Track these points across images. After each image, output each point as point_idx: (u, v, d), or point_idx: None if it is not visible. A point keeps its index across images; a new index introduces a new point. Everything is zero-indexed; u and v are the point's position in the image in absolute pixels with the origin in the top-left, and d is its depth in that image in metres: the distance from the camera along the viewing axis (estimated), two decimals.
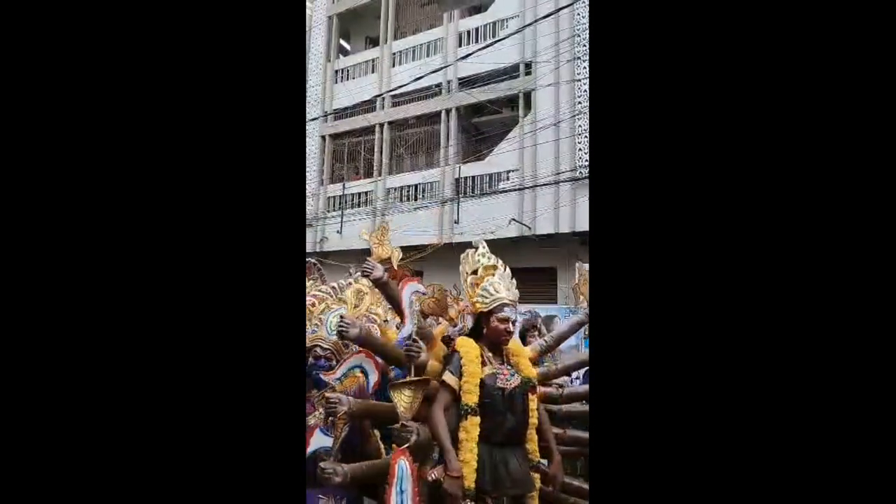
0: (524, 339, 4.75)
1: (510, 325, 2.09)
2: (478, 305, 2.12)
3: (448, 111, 11.58)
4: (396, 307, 2.20)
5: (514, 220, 10.05)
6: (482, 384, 1.98)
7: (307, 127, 12.96)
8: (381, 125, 12.39)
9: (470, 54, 9.30)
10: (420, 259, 10.96)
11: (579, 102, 9.77)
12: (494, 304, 2.09)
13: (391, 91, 11.50)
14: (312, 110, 13.16)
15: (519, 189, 10.33)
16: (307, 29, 13.78)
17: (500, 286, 2.15)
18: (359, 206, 12.39)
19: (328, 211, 12.78)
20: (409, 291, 2.13)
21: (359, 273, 2.71)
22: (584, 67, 9.51)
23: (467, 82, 11.46)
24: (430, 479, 1.82)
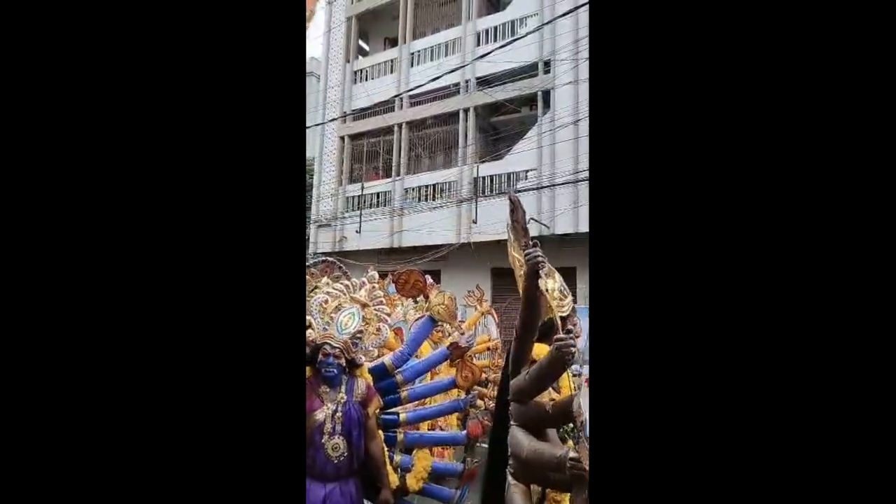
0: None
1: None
2: (558, 310, 1.85)
3: (466, 111, 11.57)
4: None
5: (532, 219, 9.94)
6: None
7: (326, 128, 13.08)
8: (400, 125, 12.43)
9: (488, 53, 9.28)
10: (438, 259, 10.98)
11: None
12: (570, 308, 1.89)
13: (409, 91, 11.54)
14: (331, 111, 13.28)
15: (537, 188, 10.27)
16: (326, 31, 13.89)
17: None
18: (377, 205, 12.45)
19: (347, 211, 12.87)
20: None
21: (372, 273, 2.73)
22: None
23: (485, 81, 11.44)
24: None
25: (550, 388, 1.87)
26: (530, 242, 1.87)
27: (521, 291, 1.89)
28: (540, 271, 1.78)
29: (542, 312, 1.85)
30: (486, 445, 4.56)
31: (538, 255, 1.79)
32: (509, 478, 1.90)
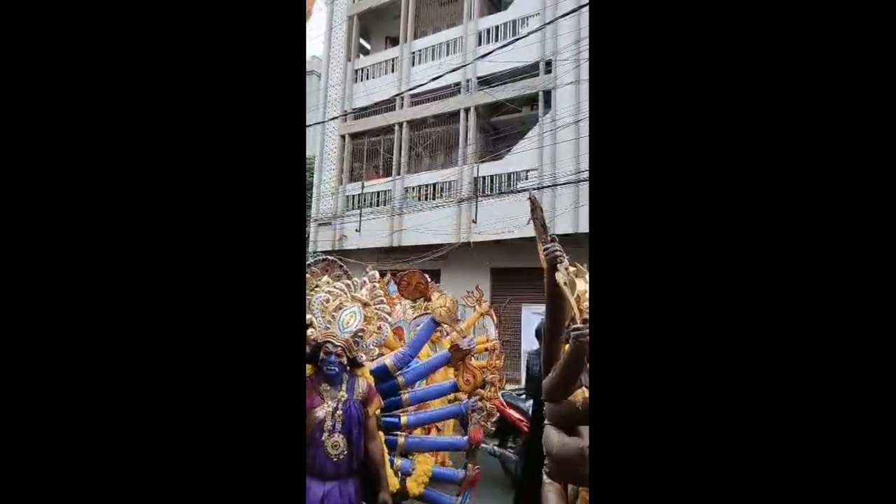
0: (540, 339, 4.75)
1: None
2: (586, 311, 1.77)
3: (467, 110, 11.55)
4: None
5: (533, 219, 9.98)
6: None
7: (327, 127, 13.07)
8: (401, 124, 12.42)
9: (489, 53, 9.27)
10: (438, 258, 10.97)
11: None
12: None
13: (410, 90, 11.53)
14: (332, 110, 13.26)
15: (538, 188, 10.26)
16: (327, 29, 13.89)
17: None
18: (377, 204, 12.45)
19: (347, 209, 12.86)
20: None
21: (373, 272, 2.72)
22: None
23: (486, 81, 11.43)
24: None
25: (584, 387, 1.84)
26: (548, 238, 1.86)
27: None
28: (559, 266, 1.78)
29: (568, 310, 1.81)
30: (484, 446, 4.59)
31: (556, 250, 1.82)
32: (544, 477, 1.92)
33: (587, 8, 9.12)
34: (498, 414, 4.65)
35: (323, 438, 2.01)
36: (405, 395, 2.60)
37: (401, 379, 2.56)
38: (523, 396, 4.91)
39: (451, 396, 3.04)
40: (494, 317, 5.68)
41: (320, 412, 2.03)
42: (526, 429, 4.65)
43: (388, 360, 2.55)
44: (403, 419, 2.63)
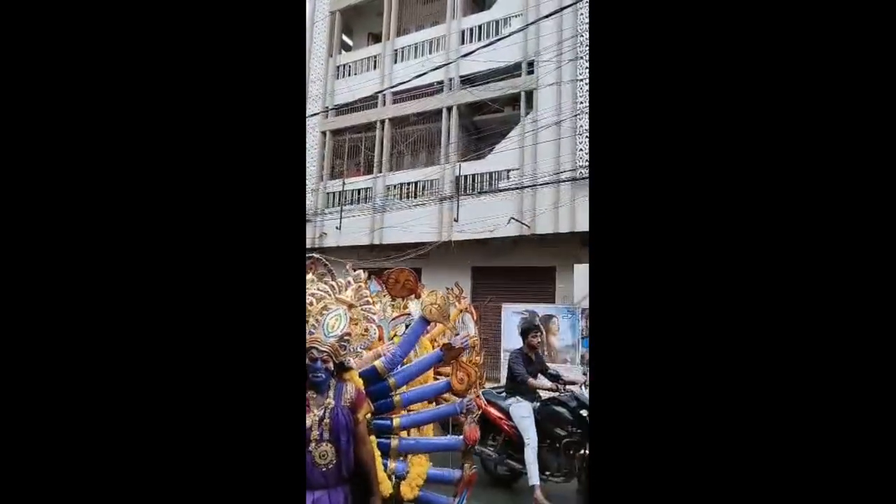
0: (525, 339, 4.79)
1: None
2: None
3: (449, 109, 11.56)
4: None
5: (513, 218, 10.04)
6: None
7: (307, 122, 12.93)
8: (382, 122, 12.37)
9: (472, 52, 9.29)
10: (420, 257, 10.96)
11: (581, 102, 9.75)
12: None
13: (392, 87, 11.48)
14: (313, 106, 13.13)
15: (518, 188, 10.32)
16: (310, 24, 13.74)
17: None
18: (358, 202, 12.39)
19: (327, 207, 12.78)
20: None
21: (358, 272, 2.70)
22: (587, 67, 9.50)
23: (469, 80, 11.44)
24: None
25: None
26: None
27: None
28: None
29: None
30: (481, 448, 4.58)
31: None
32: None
33: (570, 9, 9.20)
34: (479, 412, 4.67)
35: (310, 448, 1.94)
36: (397, 397, 2.54)
37: (392, 380, 2.52)
38: (503, 394, 4.94)
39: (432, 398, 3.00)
40: (474, 313, 5.69)
41: (307, 421, 1.98)
42: (506, 427, 4.68)
43: (378, 361, 2.52)
44: (396, 421, 2.56)
